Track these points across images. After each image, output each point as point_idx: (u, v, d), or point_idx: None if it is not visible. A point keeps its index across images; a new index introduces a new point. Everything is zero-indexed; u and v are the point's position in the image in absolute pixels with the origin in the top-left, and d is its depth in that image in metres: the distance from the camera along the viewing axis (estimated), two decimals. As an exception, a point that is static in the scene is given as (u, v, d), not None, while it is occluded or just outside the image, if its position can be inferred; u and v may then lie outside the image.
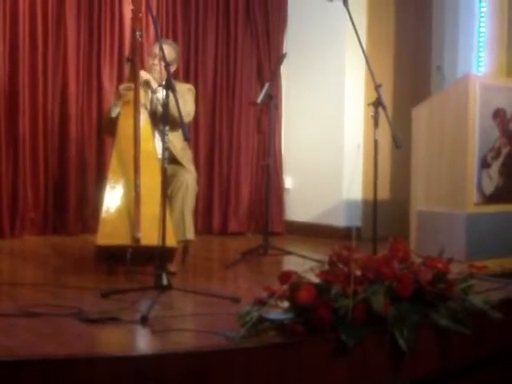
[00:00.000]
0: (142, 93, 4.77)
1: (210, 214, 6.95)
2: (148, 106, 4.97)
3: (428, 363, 3.41)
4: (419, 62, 7.04)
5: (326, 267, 3.31)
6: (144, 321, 3.28)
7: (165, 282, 3.70)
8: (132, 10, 4.69)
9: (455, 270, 3.55)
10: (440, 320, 3.36)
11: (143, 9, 5.58)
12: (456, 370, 3.55)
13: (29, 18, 6.09)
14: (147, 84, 4.90)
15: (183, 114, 3.85)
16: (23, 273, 4.78)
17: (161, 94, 4.51)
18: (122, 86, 4.96)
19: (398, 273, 3.31)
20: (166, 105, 3.85)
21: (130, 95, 4.73)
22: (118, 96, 4.93)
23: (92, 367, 2.73)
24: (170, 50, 4.93)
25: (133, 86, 4.68)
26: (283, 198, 7.18)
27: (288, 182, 7.24)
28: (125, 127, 4.72)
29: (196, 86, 6.09)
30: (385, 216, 5.70)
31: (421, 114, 5.67)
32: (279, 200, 7.10)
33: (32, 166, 6.15)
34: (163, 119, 3.92)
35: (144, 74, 4.89)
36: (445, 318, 3.37)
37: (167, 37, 6.47)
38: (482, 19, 6.57)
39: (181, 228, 4.70)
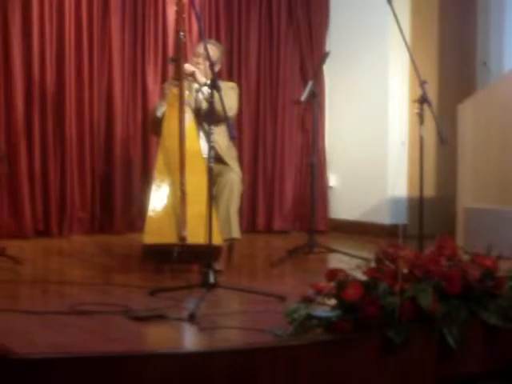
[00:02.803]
0: (186, 91, 4.79)
1: (255, 212, 6.97)
2: (192, 105, 4.99)
3: (477, 361, 3.37)
4: (464, 57, 6.97)
5: (373, 265, 3.31)
6: (192, 318, 3.29)
7: (212, 280, 3.71)
8: (176, 10, 4.73)
9: (504, 267, 3.51)
10: (489, 318, 3.32)
11: (186, 9, 5.66)
12: (505, 369, 3.51)
13: (74, 21, 6.19)
14: (193, 76, 4.90)
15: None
16: (71, 272, 4.83)
17: (205, 89, 4.54)
18: (166, 84, 5.00)
19: (445, 270, 3.29)
20: (211, 105, 3.86)
21: (175, 93, 4.76)
22: (163, 95, 4.97)
23: (141, 364, 2.76)
24: (213, 50, 4.95)
25: (177, 82, 4.71)
26: (327, 196, 7.17)
27: (332, 179, 7.23)
28: (170, 126, 4.74)
29: (239, 85, 6.09)
30: (430, 213, 5.64)
31: (467, 110, 5.62)
32: (323, 198, 7.09)
33: (79, 166, 6.24)
34: (209, 119, 3.94)
35: (189, 67, 4.91)
36: (494, 316, 3.33)
37: (210, 37, 6.50)
38: (529, 12, 6.49)
39: (226, 227, 4.72)
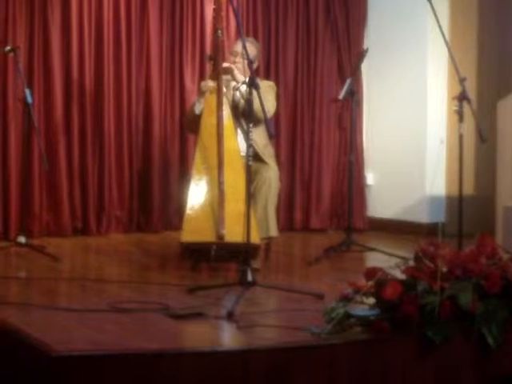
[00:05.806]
0: (224, 88, 4.79)
1: (292, 210, 6.95)
2: (230, 102, 4.99)
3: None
4: (504, 53, 6.88)
5: (412, 263, 3.28)
6: (230, 316, 3.30)
7: (250, 278, 3.71)
8: (214, 8, 4.74)
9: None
10: (530, 317, 3.28)
11: (224, 7, 5.66)
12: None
13: (113, 20, 6.23)
14: (231, 73, 4.89)
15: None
16: (109, 270, 4.87)
17: (244, 88, 4.53)
18: (203, 83, 5.01)
19: (485, 269, 3.25)
20: (249, 102, 3.86)
21: (213, 91, 4.77)
22: (201, 93, 4.98)
23: (179, 362, 2.77)
24: (251, 48, 4.94)
25: (213, 82, 4.72)
26: (365, 194, 7.13)
27: (370, 178, 7.19)
28: (208, 124, 4.75)
29: (277, 83, 6.09)
30: (469, 212, 5.58)
31: (507, 107, 5.55)
32: (361, 196, 7.05)
33: (117, 165, 6.28)
34: (247, 117, 3.93)
35: (228, 65, 4.90)
36: (535, 316, 3.29)
37: (248, 35, 6.48)
38: None
39: (264, 225, 4.71)
